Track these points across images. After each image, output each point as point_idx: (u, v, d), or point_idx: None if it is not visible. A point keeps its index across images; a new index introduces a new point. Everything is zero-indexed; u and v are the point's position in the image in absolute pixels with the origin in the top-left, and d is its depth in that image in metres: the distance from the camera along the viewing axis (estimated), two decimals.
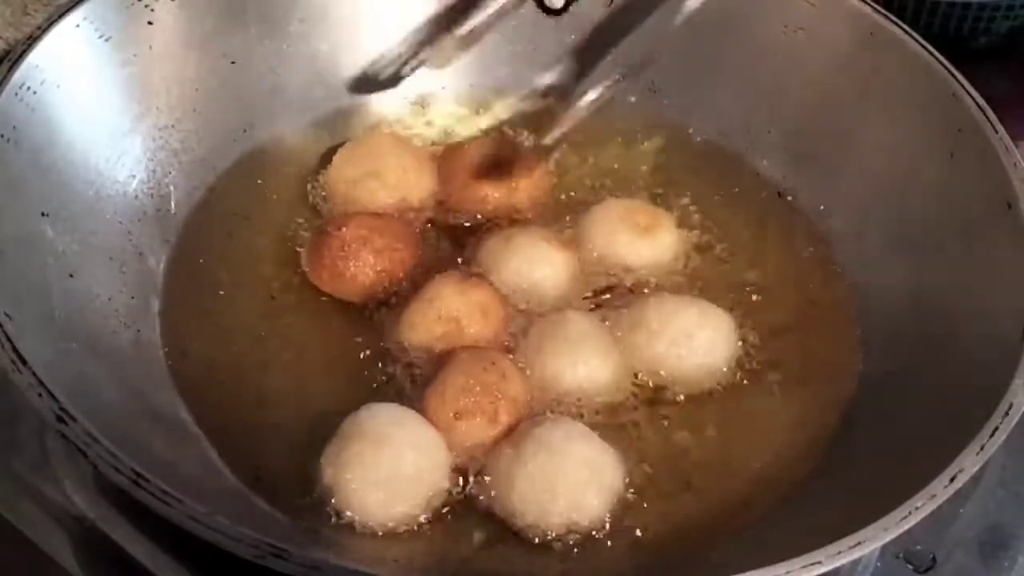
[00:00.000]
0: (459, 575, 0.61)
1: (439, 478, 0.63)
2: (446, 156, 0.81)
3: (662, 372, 0.69)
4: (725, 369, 0.70)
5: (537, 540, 0.61)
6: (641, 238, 0.75)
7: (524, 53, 0.87)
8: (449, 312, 0.69)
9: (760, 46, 0.83)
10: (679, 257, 0.77)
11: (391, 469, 0.61)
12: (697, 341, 0.69)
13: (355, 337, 0.71)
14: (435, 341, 0.68)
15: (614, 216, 0.76)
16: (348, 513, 0.61)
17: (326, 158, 0.81)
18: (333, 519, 0.61)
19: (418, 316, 0.69)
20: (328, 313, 0.72)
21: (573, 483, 0.62)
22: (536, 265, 0.73)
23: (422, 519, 0.62)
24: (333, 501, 0.61)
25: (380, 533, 0.61)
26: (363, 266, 0.71)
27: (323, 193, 0.78)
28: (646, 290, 0.74)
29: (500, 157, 0.79)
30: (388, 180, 0.77)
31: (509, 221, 0.78)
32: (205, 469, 0.62)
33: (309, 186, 0.79)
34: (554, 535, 0.61)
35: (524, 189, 0.79)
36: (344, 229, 0.72)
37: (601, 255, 0.75)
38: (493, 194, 0.78)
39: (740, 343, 0.72)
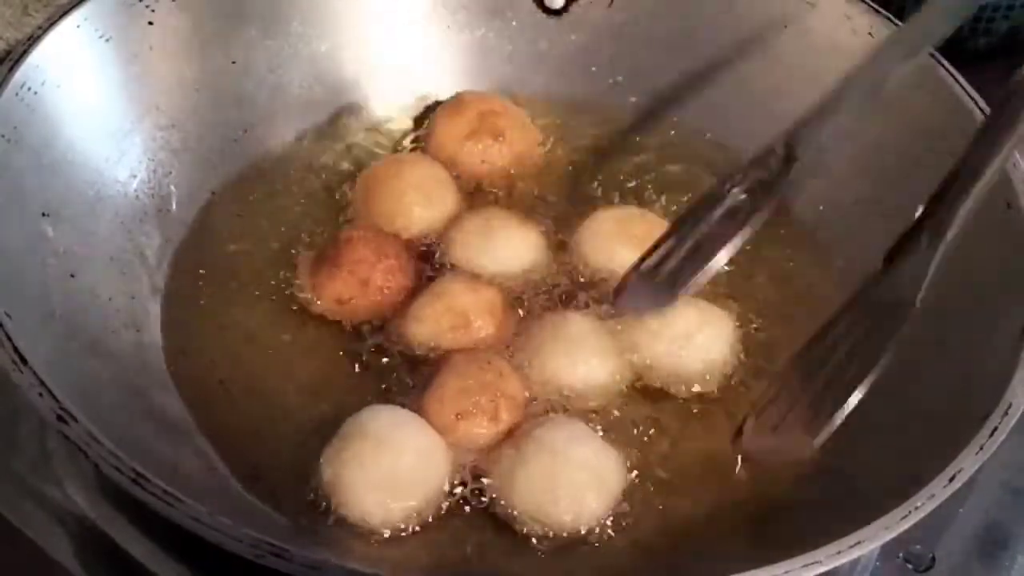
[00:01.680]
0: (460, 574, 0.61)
1: (439, 481, 0.63)
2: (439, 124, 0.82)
3: (662, 372, 0.69)
4: (725, 369, 0.70)
5: (537, 541, 0.61)
6: (638, 252, 0.74)
7: (524, 53, 0.87)
8: (458, 306, 0.69)
9: (760, 46, 0.83)
10: None
11: (390, 470, 0.61)
12: (697, 341, 0.69)
13: (357, 338, 0.71)
14: (443, 333, 0.68)
15: (609, 230, 0.75)
16: (345, 513, 0.61)
17: (332, 161, 0.81)
18: (332, 519, 0.61)
19: (427, 309, 0.69)
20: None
21: (574, 485, 0.62)
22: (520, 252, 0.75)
23: (421, 521, 0.62)
24: (331, 501, 0.61)
25: (378, 533, 0.61)
26: (365, 298, 0.71)
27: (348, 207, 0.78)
28: None
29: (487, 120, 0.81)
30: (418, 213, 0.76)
31: (506, 184, 0.80)
32: (205, 469, 0.62)
33: (337, 194, 0.79)
34: (554, 536, 0.61)
35: (512, 148, 0.80)
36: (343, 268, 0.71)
37: (598, 269, 0.75)
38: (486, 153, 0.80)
39: (740, 343, 0.72)
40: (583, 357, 0.68)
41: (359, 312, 0.71)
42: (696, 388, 0.69)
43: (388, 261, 0.71)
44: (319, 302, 0.71)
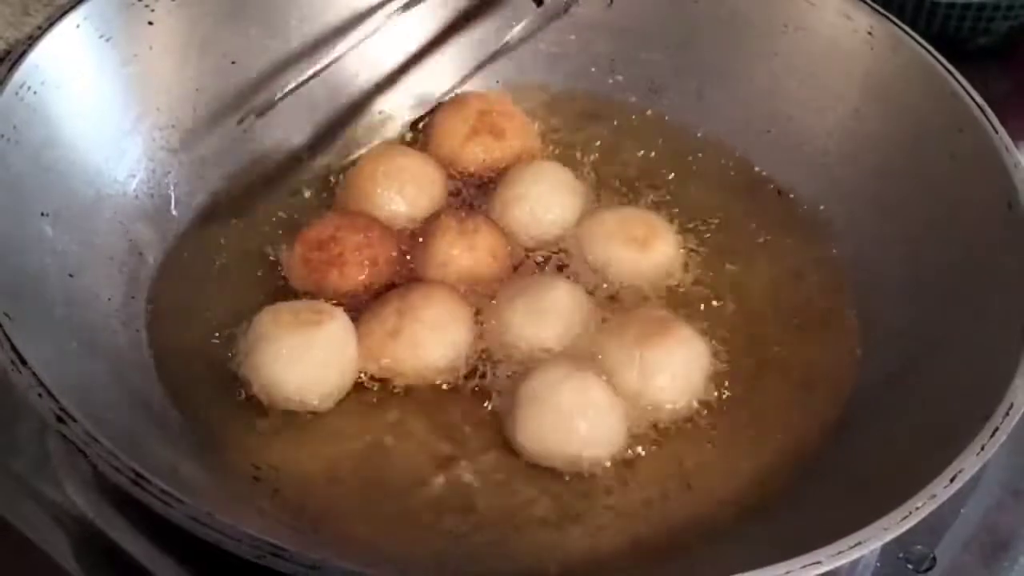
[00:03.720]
0: (460, 574, 0.61)
1: (350, 367, 0.67)
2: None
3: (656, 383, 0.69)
4: (721, 371, 0.70)
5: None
6: (639, 253, 0.74)
7: (524, 53, 0.87)
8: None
9: (760, 46, 0.83)
10: (678, 264, 0.76)
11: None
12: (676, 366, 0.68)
13: None
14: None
15: (611, 230, 0.75)
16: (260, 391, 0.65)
17: (331, 160, 0.82)
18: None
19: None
20: None
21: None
22: None
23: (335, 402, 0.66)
24: (256, 389, 0.65)
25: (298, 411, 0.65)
26: (345, 272, 0.71)
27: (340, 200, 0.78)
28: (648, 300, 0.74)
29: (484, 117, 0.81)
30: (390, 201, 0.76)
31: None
32: (205, 469, 0.62)
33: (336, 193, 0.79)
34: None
35: (512, 147, 0.80)
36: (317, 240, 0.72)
37: (598, 269, 0.75)
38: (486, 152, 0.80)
39: (740, 344, 0.72)
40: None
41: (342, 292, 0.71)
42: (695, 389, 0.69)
43: (356, 236, 0.72)
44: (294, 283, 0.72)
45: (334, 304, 0.69)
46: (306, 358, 0.65)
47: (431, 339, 0.68)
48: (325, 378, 0.66)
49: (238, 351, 0.68)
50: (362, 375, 0.68)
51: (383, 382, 0.68)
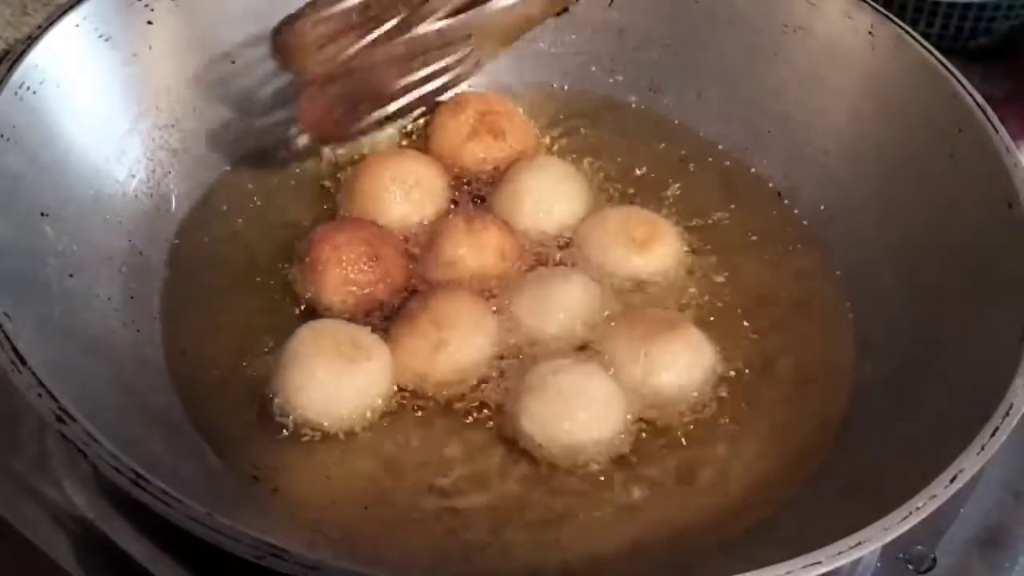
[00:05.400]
0: (460, 573, 0.61)
1: (384, 386, 0.66)
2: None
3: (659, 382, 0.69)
4: (723, 372, 0.70)
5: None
6: (639, 254, 0.74)
7: (524, 53, 0.87)
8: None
9: (760, 46, 0.83)
10: (678, 265, 0.76)
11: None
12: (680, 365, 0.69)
13: None
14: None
15: (613, 230, 0.75)
16: (292, 414, 0.64)
17: (331, 160, 0.81)
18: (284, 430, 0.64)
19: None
20: None
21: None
22: None
23: (366, 421, 0.65)
24: (277, 401, 0.65)
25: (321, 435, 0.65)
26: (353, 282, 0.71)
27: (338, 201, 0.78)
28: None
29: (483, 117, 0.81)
30: (395, 207, 0.76)
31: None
32: (205, 469, 0.62)
33: (336, 193, 0.79)
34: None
35: (512, 147, 0.80)
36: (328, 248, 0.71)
37: (600, 268, 0.74)
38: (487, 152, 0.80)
39: (740, 344, 0.72)
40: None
41: (355, 304, 0.71)
42: (696, 391, 0.69)
43: (365, 250, 0.71)
44: (309, 296, 0.71)
45: (331, 306, 0.70)
46: (337, 393, 0.65)
47: (472, 343, 0.68)
48: (353, 413, 0.65)
49: (264, 358, 0.67)
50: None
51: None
